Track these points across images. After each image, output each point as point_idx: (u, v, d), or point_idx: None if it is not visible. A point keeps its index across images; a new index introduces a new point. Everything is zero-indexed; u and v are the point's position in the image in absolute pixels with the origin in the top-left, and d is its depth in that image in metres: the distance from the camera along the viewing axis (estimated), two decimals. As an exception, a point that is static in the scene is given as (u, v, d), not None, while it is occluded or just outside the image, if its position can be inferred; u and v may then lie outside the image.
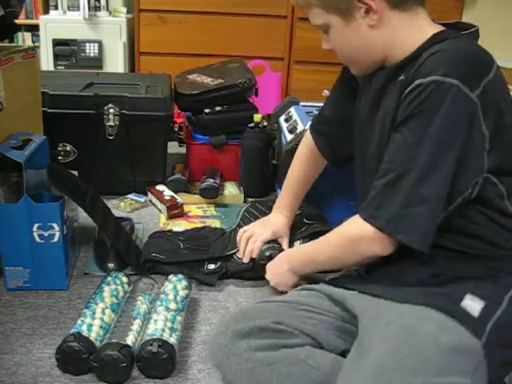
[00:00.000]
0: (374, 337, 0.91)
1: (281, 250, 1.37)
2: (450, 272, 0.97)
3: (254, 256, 1.39)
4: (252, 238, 1.40)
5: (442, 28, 1.00)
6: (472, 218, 0.96)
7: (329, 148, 1.33)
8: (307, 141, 1.38)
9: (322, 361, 0.97)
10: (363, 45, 1.02)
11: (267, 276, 1.28)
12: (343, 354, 1.00)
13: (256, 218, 1.55)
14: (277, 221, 1.42)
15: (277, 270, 1.24)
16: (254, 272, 1.39)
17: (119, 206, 1.84)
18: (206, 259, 1.45)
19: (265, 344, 0.98)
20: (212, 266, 1.43)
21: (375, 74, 1.06)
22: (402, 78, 0.97)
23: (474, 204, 0.96)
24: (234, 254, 1.45)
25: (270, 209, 1.50)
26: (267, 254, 1.36)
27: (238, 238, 1.45)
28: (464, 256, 0.97)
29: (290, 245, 1.42)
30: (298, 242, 1.43)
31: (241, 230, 1.46)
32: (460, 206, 0.95)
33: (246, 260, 1.40)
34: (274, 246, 1.38)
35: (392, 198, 0.94)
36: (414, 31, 0.99)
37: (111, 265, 1.45)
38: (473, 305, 0.92)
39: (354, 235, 1.01)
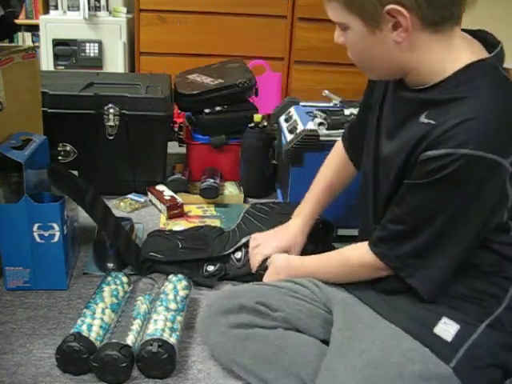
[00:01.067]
0: (346, 364, 0.93)
1: None
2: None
3: (254, 270, 1.36)
4: (256, 249, 1.36)
5: (470, 49, 0.92)
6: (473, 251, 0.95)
7: (356, 152, 1.25)
8: (338, 148, 1.33)
9: (289, 343, 1.04)
10: (384, 58, 0.93)
11: (270, 275, 1.26)
12: (323, 342, 1.07)
13: (257, 217, 1.54)
14: (290, 230, 1.35)
15: (274, 278, 1.22)
16: (253, 277, 1.36)
17: (119, 206, 1.84)
18: (204, 258, 1.44)
19: (241, 322, 1.06)
20: (211, 268, 1.43)
21: (401, 96, 0.99)
22: (425, 120, 0.90)
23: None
24: (232, 253, 1.45)
25: (271, 209, 1.49)
26: (267, 264, 1.32)
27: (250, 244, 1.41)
28: (457, 273, 0.96)
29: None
30: None
31: (252, 237, 1.41)
32: None
33: (253, 270, 1.36)
34: None
35: (411, 245, 0.94)
36: (444, 56, 0.90)
37: (110, 265, 1.45)
38: (447, 329, 0.93)
39: (362, 263, 1.03)
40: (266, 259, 1.33)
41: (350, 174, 1.31)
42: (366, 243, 1.02)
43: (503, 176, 0.86)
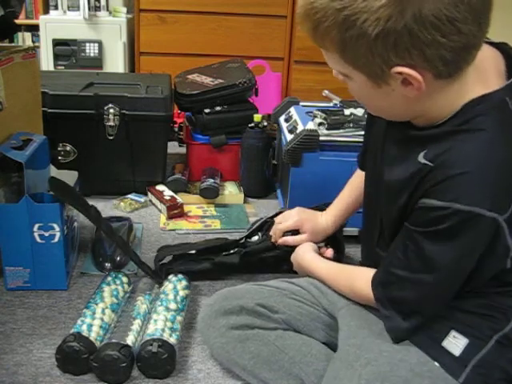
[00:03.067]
0: (353, 374, 0.90)
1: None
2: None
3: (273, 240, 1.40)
4: (279, 224, 1.39)
5: (481, 79, 0.84)
6: (479, 280, 0.92)
7: None
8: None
9: (289, 343, 1.04)
10: (390, 107, 0.87)
11: (292, 259, 1.29)
12: (324, 344, 1.07)
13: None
14: (318, 224, 1.35)
15: (298, 261, 1.25)
16: (274, 251, 1.39)
17: (119, 206, 1.84)
18: (222, 244, 1.44)
19: (241, 323, 1.06)
20: (231, 252, 1.43)
21: (403, 132, 0.93)
22: (423, 159, 0.85)
23: None
24: (248, 238, 1.46)
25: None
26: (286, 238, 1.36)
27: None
28: (463, 294, 0.93)
29: None
30: None
31: (283, 213, 1.43)
32: None
33: (272, 239, 1.40)
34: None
35: (405, 294, 0.92)
36: (454, 96, 0.83)
37: (108, 264, 1.45)
38: (455, 343, 0.91)
39: (368, 298, 0.99)
40: (287, 234, 1.36)
41: None
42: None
43: (496, 230, 0.82)
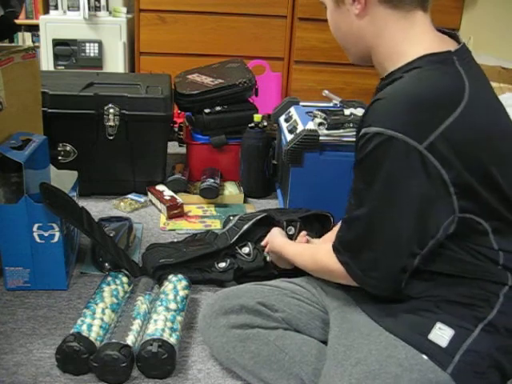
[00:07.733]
0: (343, 373, 0.90)
1: None
2: (427, 295, 0.95)
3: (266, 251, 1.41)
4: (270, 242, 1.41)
5: (433, 42, 0.93)
6: (454, 251, 0.92)
7: None
8: None
9: (289, 343, 1.05)
10: (349, 31, 1.00)
11: (267, 249, 1.32)
12: (323, 343, 1.07)
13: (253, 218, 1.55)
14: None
15: (273, 246, 1.27)
16: (266, 270, 1.40)
17: (119, 206, 1.84)
18: (214, 252, 1.44)
19: (242, 322, 1.07)
20: (223, 265, 1.43)
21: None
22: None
23: (453, 240, 0.92)
24: (239, 248, 1.46)
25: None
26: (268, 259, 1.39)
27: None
28: (444, 280, 0.94)
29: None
30: (292, 228, 1.47)
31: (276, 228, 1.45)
32: (435, 246, 0.91)
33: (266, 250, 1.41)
34: None
35: (351, 243, 0.94)
36: (400, 38, 0.94)
37: (107, 264, 1.45)
38: (441, 334, 0.91)
39: (329, 268, 1.00)
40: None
41: None
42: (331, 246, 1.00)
43: (417, 157, 0.84)
